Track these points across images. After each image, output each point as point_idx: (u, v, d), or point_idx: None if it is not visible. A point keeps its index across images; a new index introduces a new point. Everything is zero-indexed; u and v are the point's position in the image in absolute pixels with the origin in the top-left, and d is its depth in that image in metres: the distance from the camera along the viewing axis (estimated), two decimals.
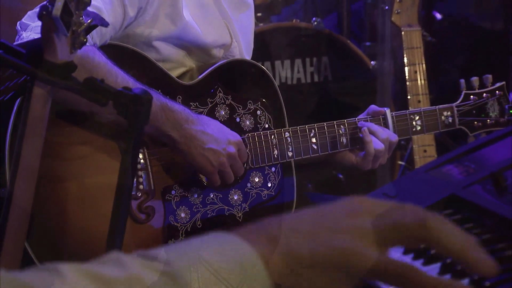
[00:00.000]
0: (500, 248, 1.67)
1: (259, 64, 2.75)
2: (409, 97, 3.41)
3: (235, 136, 2.56)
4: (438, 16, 5.42)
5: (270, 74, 2.73)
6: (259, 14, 4.03)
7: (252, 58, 2.85)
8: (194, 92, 2.61)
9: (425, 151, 3.43)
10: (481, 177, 1.86)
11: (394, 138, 2.77)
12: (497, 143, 1.98)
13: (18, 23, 2.39)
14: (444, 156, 1.99)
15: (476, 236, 1.73)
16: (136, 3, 2.51)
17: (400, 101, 4.20)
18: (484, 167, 1.90)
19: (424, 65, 3.44)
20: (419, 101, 3.41)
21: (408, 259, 1.69)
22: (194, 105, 2.60)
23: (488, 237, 1.71)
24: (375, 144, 2.71)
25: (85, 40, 1.76)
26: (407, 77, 3.42)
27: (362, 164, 2.78)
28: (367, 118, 2.79)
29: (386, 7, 3.45)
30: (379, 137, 2.72)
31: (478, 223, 1.76)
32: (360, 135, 2.73)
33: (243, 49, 2.83)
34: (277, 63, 3.94)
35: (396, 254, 1.70)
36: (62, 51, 1.74)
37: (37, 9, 2.36)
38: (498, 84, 2.97)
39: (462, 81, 2.96)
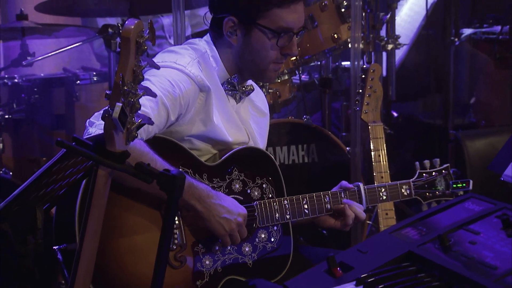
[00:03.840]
0: None
1: (265, 150, 2.73)
2: (374, 174, 3.37)
3: (243, 210, 2.52)
4: (395, 114, 5.42)
5: (273, 158, 2.71)
6: None
7: None
8: (216, 171, 2.59)
9: (386, 214, 3.39)
10: (431, 238, 1.84)
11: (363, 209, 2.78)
12: (443, 213, 1.97)
13: (87, 120, 2.38)
14: (403, 221, 1.97)
15: (427, 283, 1.70)
16: (177, 110, 2.50)
17: (367, 177, 4.16)
18: (433, 230, 1.88)
19: (385, 151, 3.41)
20: (382, 177, 3.36)
21: None
22: (216, 180, 2.57)
23: (437, 285, 1.68)
24: (356, 218, 2.73)
25: (136, 135, 1.75)
26: (372, 159, 3.38)
27: (340, 227, 2.77)
28: (342, 190, 2.76)
29: (358, 108, 3.43)
30: (357, 212, 2.73)
31: (429, 274, 1.74)
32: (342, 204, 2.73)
33: (260, 144, 2.81)
34: (278, 148, 3.93)
35: (350, 285, 1.68)
36: (119, 143, 1.73)
37: (101, 111, 2.35)
38: (444, 166, 2.99)
39: (417, 163, 2.98)
